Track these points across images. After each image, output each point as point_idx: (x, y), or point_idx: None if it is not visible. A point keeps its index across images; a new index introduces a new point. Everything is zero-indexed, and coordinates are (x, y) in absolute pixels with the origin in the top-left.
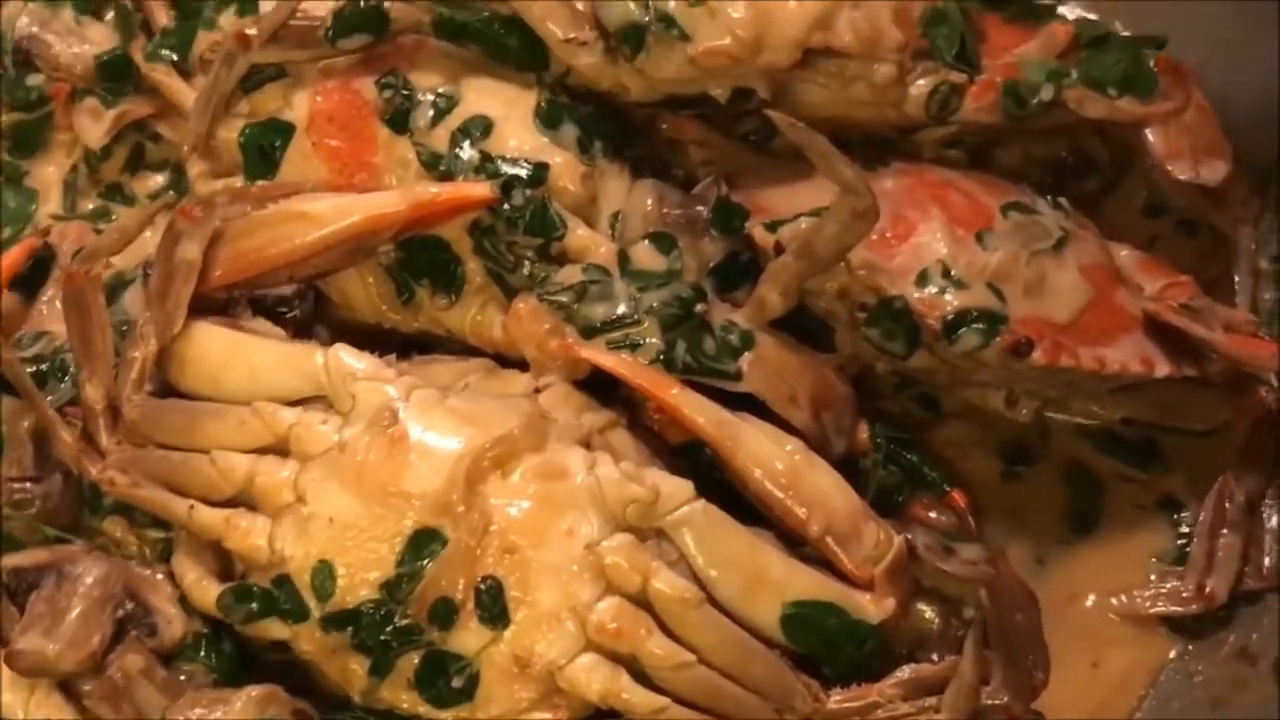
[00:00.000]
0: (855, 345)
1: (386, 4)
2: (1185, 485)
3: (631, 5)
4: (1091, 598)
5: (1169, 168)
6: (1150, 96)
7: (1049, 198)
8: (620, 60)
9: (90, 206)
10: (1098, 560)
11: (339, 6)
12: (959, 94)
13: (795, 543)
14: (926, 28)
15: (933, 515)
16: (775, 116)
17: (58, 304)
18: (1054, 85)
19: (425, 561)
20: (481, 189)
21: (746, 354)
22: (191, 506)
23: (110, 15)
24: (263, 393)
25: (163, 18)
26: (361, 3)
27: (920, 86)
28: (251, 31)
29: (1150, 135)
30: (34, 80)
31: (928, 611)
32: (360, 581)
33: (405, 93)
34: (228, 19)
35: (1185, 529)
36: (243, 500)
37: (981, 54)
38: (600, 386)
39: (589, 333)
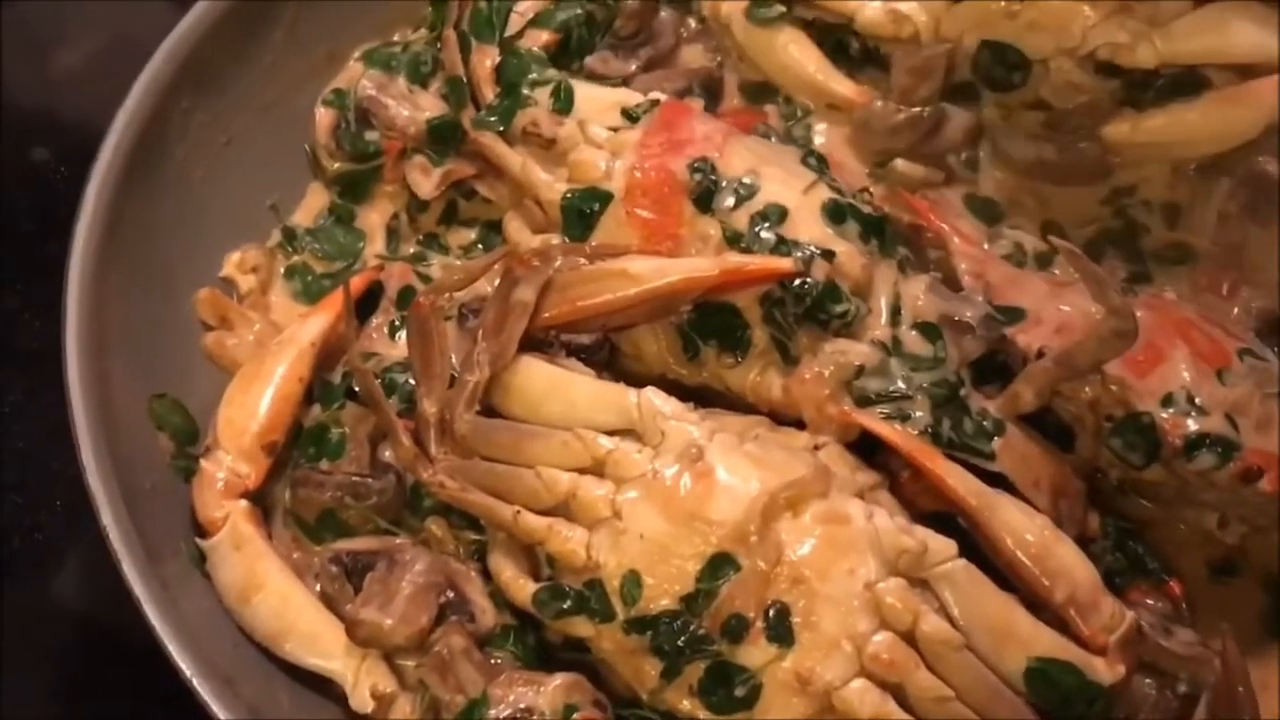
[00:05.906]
0: (1095, 451)
1: None
2: None
3: None
4: None
5: None
6: None
7: (1276, 349)
8: None
9: (410, 251)
10: None
11: None
12: None
13: (1036, 607)
14: None
15: (1150, 601)
16: (1059, 244)
17: (385, 330)
18: None
19: (721, 581)
20: (786, 263)
21: (998, 439)
22: (517, 512)
23: (434, 87)
24: (577, 422)
25: (489, 93)
26: None
27: None
28: None
29: None
30: (370, 135)
31: (1146, 682)
32: (663, 592)
33: (713, 177)
34: (542, 95)
35: None
36: (560, 511)
37: None
38: (858, 453)
39: (863, 402)
